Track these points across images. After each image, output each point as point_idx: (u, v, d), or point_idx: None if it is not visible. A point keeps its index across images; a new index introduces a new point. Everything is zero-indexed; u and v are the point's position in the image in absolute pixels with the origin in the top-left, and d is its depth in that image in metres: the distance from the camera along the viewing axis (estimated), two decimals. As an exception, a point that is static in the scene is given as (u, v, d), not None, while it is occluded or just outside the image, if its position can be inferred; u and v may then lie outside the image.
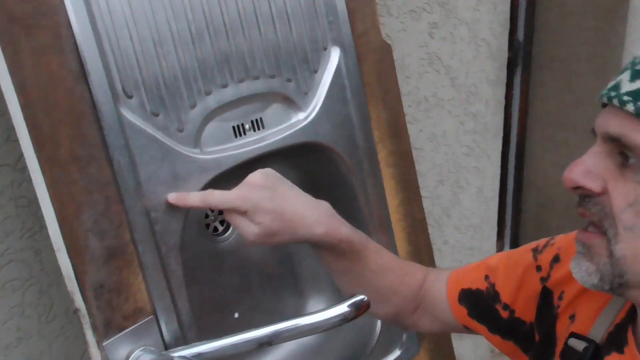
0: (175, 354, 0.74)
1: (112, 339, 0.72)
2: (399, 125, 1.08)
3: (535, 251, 0.83)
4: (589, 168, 0.62)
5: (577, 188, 0.63)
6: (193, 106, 0.81)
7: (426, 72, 1.43)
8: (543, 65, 2.39)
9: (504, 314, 0.85)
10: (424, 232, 1.12)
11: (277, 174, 0.82)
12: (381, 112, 1.05)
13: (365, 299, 0.84)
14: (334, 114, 0.97)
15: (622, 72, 0.62)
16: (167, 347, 0.78)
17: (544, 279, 0.81)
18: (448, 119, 1.54)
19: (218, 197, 0.77)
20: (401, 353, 1.08)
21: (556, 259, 0.80)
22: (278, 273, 1.08)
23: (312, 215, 0.80)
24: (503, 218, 2.54)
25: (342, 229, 0.82)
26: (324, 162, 0.99)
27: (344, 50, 0.97)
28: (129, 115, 0.74)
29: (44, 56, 0.67)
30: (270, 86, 0.90)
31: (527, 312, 0.83)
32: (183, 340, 0.79)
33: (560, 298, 0.79)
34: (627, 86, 0.59)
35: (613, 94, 0.60)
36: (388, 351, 1.07)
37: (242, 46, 0.85)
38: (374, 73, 1.03)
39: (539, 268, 0.82)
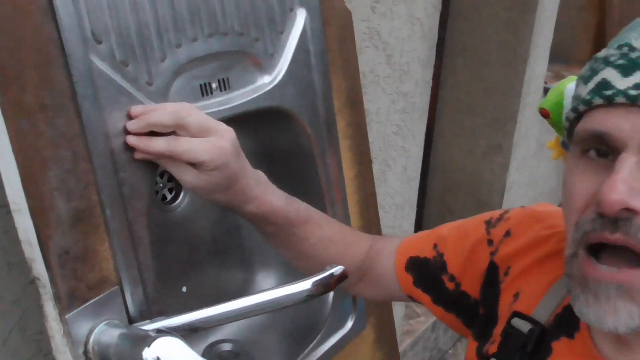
0: (145, 327, 0.67)
1: (75, 311, 0.64)
2: (356, 95, 1.05)
3: (489, 224, 0.81)
4: (633, 185, 0.52)
5: (622, 210, 0.52)
6: (163, 58, 0.74)
7: (366, 47, 1.42)
8: (455, 52, 2.47)
9: (450, 286, 0.83)
10: (374, 207, 1.11)
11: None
12: (341, 81, 1.02)
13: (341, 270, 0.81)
14: (298, 80, 0.93)
15: (598, 69, 0.56)
16: (131, 320, 0.71)
17: (493, 253, 0.79)
18: (382, 97, 1.54)
19: (185, 147, 0.70)
20: (350, 329, 1.06)
21: (507, 234, 0.78)
22: (226, 246, 1.03)
23: (247, 186, 0.77)
24: (423, 199, 2.61)
25: (274, 201, 0.80)
26: (285, 129, 0.95)
27: (310, 13, 0.93)
28: (98, 62, 0.66)
29: (8, -14, 0.58)
30: (238, 44, 0.84)
31: (474, 286, 0.81)
32: (147, 313, 0.72)
33: (506, 274, 0.77)
34: (621, 82, 0.53)
35: (609, 92, 0.53)
36: (338, 327, 1.05)
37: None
38: (336, 39, 1.00)
39: (490, 242, 0.80)
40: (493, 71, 2.39)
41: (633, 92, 0.52)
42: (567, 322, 0.66)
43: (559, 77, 2.87)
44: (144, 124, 0.69)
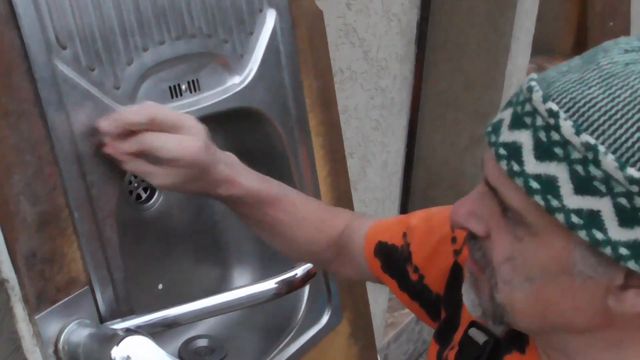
0: (116, 326, 0.69)
1: (45, 312, 0.66)
2: (328, 94, 1.07)
3: None
4: (472, 210, 0.58)
5: (464, 228, 0.59)
6: (130, 62, 0.75)
7: (342, 44, 1.43)
8: (437, 46, 2.48)
9: (414, 277, 0.83)
10: (349, 204, 1.12)
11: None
12: (312, 80, 1.03)
13: (306, 270, 0.83)
14: (268, 80, 0.94)
15: (506, 106, 0.56)
16: (102, 320, 0.72)
17: (457, 252, 0.79)
18: (360, 93, 1.55)
19: (160, 142, 0.72)
20: (325, 324, 1.08)
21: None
22: (202, 243, 1.04)
23: (225, 171, 0.78)
24: (407, 192, 2.61)
25: (245, 183, 0.81)
26: (256, 129, 0.96)
27: (279, 13, 0.95)
28: (63, 68, 0.67)
29: (-31, -6, 0.59)
30: (207, 46, 0.85)
31: (437, 282, 0.81)
32: (119, 312, 0.74)
33: None
34: (505, 134, 0.52)
35: (493, 138, 0.54)
36: (313, 322, 1.07)
37: (180, 1, 0.80)
38: (306, 39, 1.01)
39: (454, 240, 0.79)
40: (474, 64, 2.40)
41: (488, 129, 0.56)
42: (519, 335, 0.67)
43: (541, 69, 2.89)
44: (117, 124, 0.70)
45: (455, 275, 0.78)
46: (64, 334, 0.68)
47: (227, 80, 0.90)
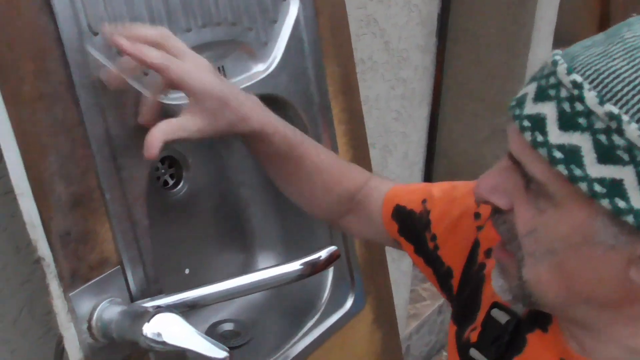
0: (146, 305, 0.71)
1: (79, 289, 0.68)
2: (351, 82, 1.08)
3: None
4: (496, 183, 0.59)
5: (487, 202, 0.60)
6: (158, 49, 0.77)
7: (364, 35, 1.44)
8: (457, 37, 2.48)
9: (430, 245, 0.84)
10: (371, 189, 1.13)
11: None
12: (335, 67, 1.04)
13: (330, 252, 0.84)
14: (292, 67, 0.95)
15: (531, 80, 0.56)
16: (133, 299, 0.74)
17: (479, 228, 0.79)
18: (381, 83, 1.56)
19: (176, 65, 0.69)
20: (349, 309, 1.09)
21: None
22: (227, 229, 1.06)
23: (250, 105, 0.77)
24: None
25: (273, 120, 0.80)
26: (280, 116, 0.97)
27: (302, 1, 0.96)
28: (94, 53, 0.69)
29: (3, -20, 0.61)
30: (232, 34, 0.87)
31: (452, 256, 0.82)
32: (148, 292, 0.76)
33: (487, 255, 0.77)
34: (529, 106, 0.54)
35: (517, 112, 0.55)
36: (337, 307, 1.08)
37: (206, -10, 0.82)
38: (328, 27, 1.02)
39: (477, 215, 0.80)
40: (494, 56, 2.40)
41: (512, 104, 0.57)
42: (541, 314, 0.67)
43: (563, 60, 2.86)
44: (129, 32, 0.68)
45: (475, 250, 0.79)
46: (96, 311, 0.70)
47: (251, 67, 0.91)
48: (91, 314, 0.70)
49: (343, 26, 1.06)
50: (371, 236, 0.96)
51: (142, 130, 0.74)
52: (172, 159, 0.95)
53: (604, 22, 3.20)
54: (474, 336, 0.74)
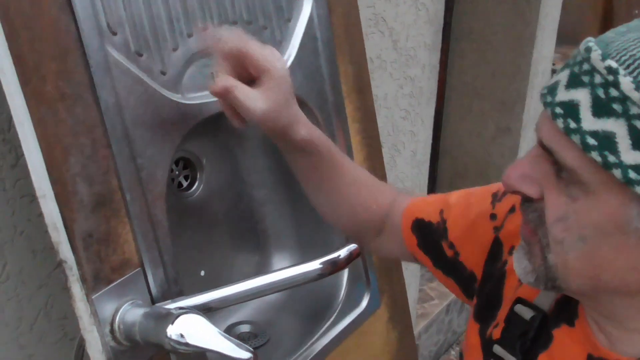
0: (168, 307, 0.70)
1: (101, 292, 0.67)
2: (364, 80, 1.07)
3: (495, 197, 0.81)
4: (526, 172, 0.59)
5: (517, 192, 0.60)
6: (175, 48, 0.77)
7: (372, 33, 1.43)
8: (461, 36, 2.48)
9: (449, 253, 0.83)
10: (385, 188, 1.13)
11: None
12: (348, 66, 1.04)
13: (350, 251, 0.84)
14: (306, 66, 0.95)
15: (563, 68, 0.56)
16: (154, 301, 0.74)
17: (497, 229, 0.79)
18: (389, 82, 1.55)
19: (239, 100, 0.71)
20: (365, 308, 1.09)
21: (512, 209, 0.78)
22: (241, 231, 1.06)
23: (300, 114, 0.77)
24: (433, 183, 2.62)
25: (318, 131, 0.80)
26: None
27: (316, 0, 0.95)
28: (114, 53, 0.69)
29: (26, -19, 0.61)
30: (247, 32, 0.86)
31: (473, 259, 0.81)
32: (169, 294, 0.75)
33: (510, 253, 0.76)
34: (562, 93, 0.53)
35: (549, 99, 0.54)
36: (353, 306, 1.08)
37: (222, -11, 0.82)
38: (341, 26, 1.02)
39: (493, 216, 0.80)
40: (499, 54, 2.40)
41: (544, 91, 0.56)
42: (567, 309, 0.67)
43: (566, 58, 2.87)
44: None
45: (495, 251, 0.78)
46: (119, 314, 0.69)
47: (266, 66, 0.91)
48: (113, 317, 0.69)
49: (355, 24, 1.05)
50: (397, 254, 0.95)
51: (161, 130, 0.74)
52: (187, 160, 0.95)
53: (606, 21, 3.20)
54: (496, 333, 0.73)
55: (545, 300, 0.69)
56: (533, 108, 2.50)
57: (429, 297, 2.32)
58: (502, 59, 2.41)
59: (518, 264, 0.62)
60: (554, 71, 2.53)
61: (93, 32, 0.66)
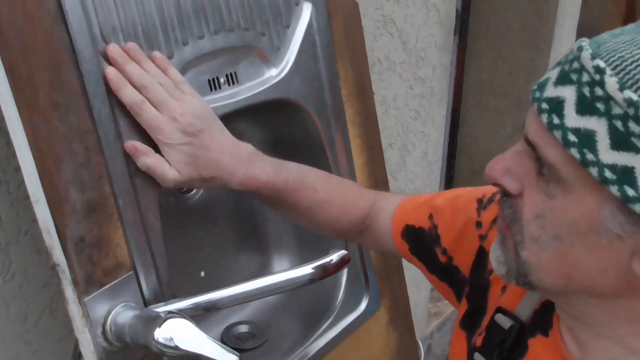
0: (159, 310, 0.72)
1: (93, 294, 0.70)
2: (364, 85, 1.08)
3: (480, 203, 0.81)
4: (509, 167, 0.59)
5: (498, 184, 0.60)
6: (170, 56, 0.78)
7: (381, 35, 1.44)
8: (478, 34, 2.46)
9: (443, 259, 0.84)
10: (386, 191, 1.14)
11: (210, 111, 0.78)
12: (348, 70, 1.05)
13: (341, 256, 0.85)
14: (305, 71, 0.96)
15: (555, 65, 0.56)
16: (146, 303, 0.76)
17: (482, 237, 0.79)
18: (399, 83, 1.56)
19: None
20: (363, 310, 1.10)
21: (496, 220, 0.77)
22: (242, 232, 1.07)
23: (230, 164, 0.78)
24: (450, 182, 2.61)
25: (260, 176, 0.80)
26: (293, 120, 0.99)
27: (315, 6, 0.96)
28: (107, 62, 0.70)
29: (20, -5, 0.63)
30: (244, 39, 0.88)
31: (465, 263, 0.82)
32: (162, 296, 0.77)
33: None
34: (550, 90, 0.53)
35: (537, 94, 0.54)
36: (351, 308, 1.09)
37: (218, -3, 0.83)
38: (342, 31, 1.03)
39: (479, 224, 0.80)
40: (517, 52, 2.38)
41: (534, 87, 0.56)
42: (543, 319, 0.67)
43: (588, 56, 2.81)
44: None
45: (480, 259, 0.79)
46: (110, 316, 0.71)
47: (264, 72, 0.92)
48: (105, 319, 0.71)
49: (357, 29, 1.06)
50: (387, 252, 0.97)
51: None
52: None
53: (629, 17, 3.14)
54: (478, 341, 0.74)
55: (525, 310, 0.69)
56: (551, 107, 2.46)
57: (441, 296, 2.32)
58: (519, 57, 2.39)
59: (493, 253, 0.63)
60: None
61: (86, 41, 0.67)
